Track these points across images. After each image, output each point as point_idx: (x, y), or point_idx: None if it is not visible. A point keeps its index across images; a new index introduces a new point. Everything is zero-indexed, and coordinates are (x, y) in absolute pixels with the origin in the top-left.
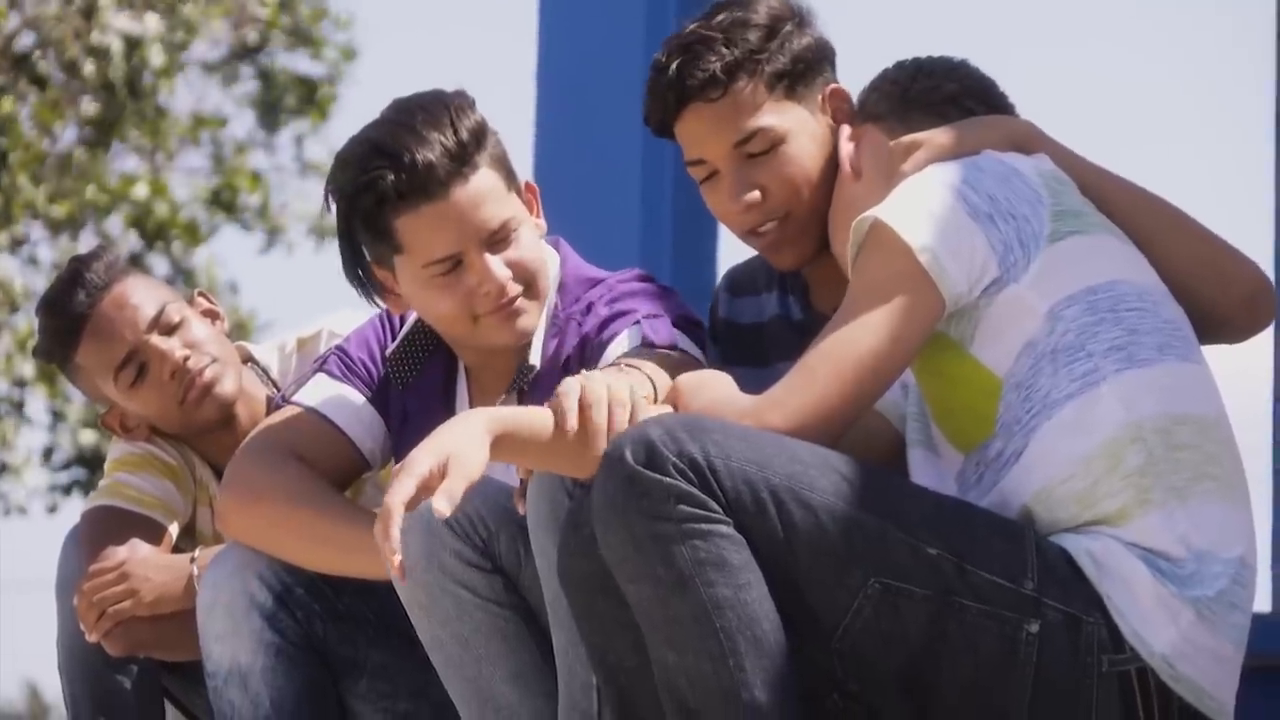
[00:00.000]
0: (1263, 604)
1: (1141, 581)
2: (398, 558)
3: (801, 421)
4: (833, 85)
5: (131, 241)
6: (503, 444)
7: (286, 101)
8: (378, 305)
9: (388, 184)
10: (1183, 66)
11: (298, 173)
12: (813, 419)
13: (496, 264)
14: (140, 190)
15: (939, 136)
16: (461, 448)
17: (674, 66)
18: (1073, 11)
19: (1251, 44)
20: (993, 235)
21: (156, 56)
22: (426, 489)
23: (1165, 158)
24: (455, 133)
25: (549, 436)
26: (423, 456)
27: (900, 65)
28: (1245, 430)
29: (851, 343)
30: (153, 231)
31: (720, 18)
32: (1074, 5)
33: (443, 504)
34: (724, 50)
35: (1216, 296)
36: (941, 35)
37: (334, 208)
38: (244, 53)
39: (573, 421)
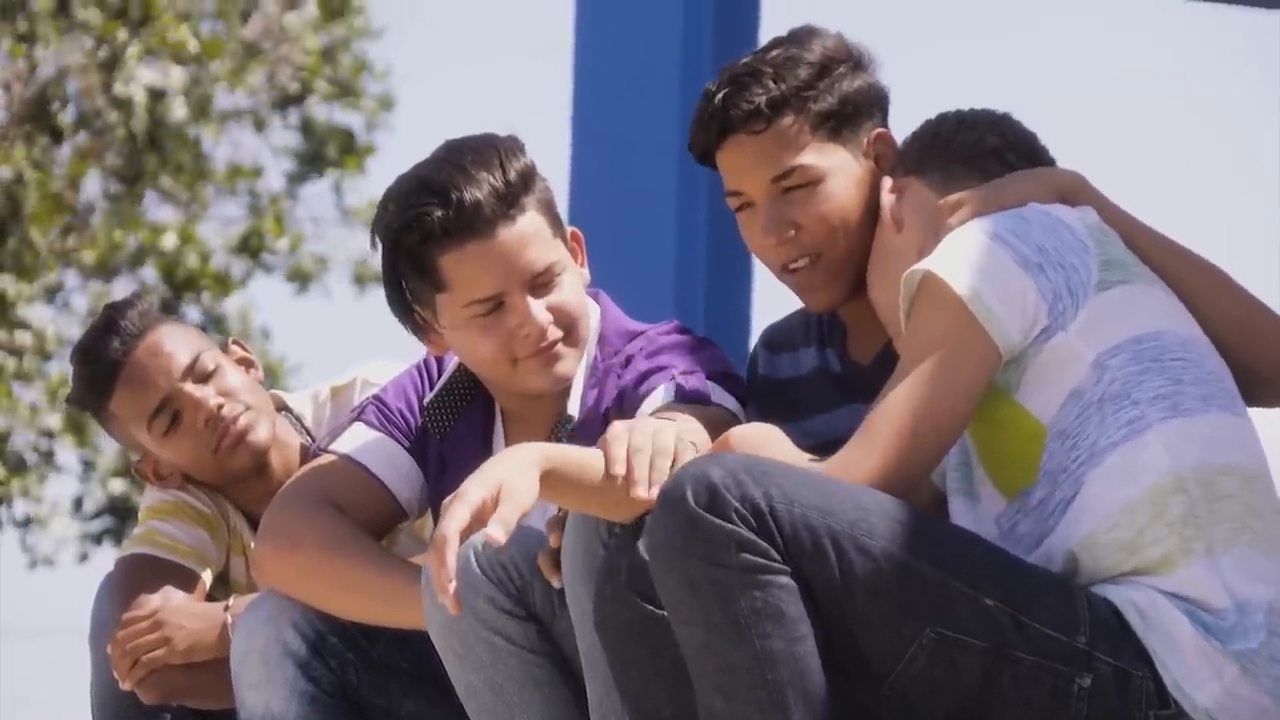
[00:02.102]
0: None
1: (1184, 635)
2: (453, 585)
3: (872, 485)
4: (878, 130)
5: (162, 291)
6: (550, 480)
7: (327, 151)
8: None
9: (434, 220)
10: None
11: (338, 220)
12: (882, 481)
13: (538, 307)
14: (169, 240)
15: (985, 191)
16: (513, 478)
17: (720, 96)
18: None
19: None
20: (1043, 284)
21: (179, 109)
22: (480, 518)
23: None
24: (504, 174)
25: (595, 478)
26: (475, 486)
27: (943, 117)
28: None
29: (912, 400)
30: (182, 282)
31: (774, 53)
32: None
33: (498, 531)
34: (772, 85)
35: (1252, 358)
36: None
37: (379, 244)
38: (285, 102)
39: (620, 469)
